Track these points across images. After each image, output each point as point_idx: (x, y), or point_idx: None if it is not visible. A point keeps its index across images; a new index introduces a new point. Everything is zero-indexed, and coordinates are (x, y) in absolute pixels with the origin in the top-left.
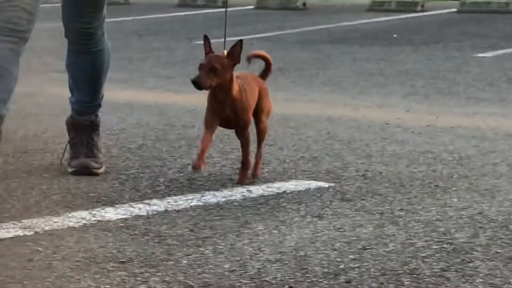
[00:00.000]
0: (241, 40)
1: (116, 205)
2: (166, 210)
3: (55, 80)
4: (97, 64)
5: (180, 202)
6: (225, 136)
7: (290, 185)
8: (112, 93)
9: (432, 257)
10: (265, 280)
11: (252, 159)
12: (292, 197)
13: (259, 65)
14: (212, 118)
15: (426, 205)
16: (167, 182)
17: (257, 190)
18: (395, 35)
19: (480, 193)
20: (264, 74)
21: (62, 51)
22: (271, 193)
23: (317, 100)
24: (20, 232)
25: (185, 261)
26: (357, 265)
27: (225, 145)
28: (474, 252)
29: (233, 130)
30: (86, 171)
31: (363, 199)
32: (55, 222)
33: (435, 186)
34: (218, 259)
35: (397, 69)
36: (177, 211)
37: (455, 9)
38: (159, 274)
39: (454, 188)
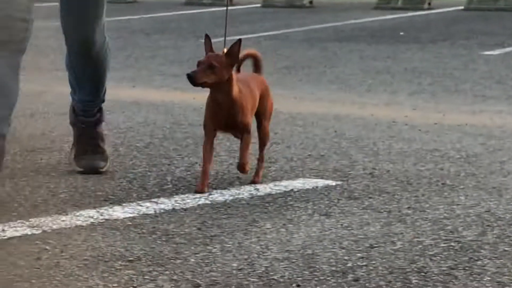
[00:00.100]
0: (240, 40)
1: (124, 204)
2: (173, 209)
3: (62, 78)
4: (98, 64)
5: (188, 201)
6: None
7: (298, 184)
8: (119, 91)
9: (440, 255)
10: (272, 279)
11: (251, 160)
12: (299, 195)
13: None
14: (211, 121)
15: (433, 203)
16: (175, 180)
17: (264, 188)
18: (402, 33)
19: (488, 191)
20: (258, 71)
21: None
22: (278, 191)
23: (324, 98)
24: (28, 231)
25: (193, 260)
26: (364, 263)
27: (232, 143)
28: (482, 250)
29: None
30: (94, 171)
31: (370, 197)
32: (63, 220)
33: (443, 184)
34: (226, 258)
35: (404, 67)
36: (185, 209)
37: (462, 7)
38: (167, 272)
39: (462, 186)
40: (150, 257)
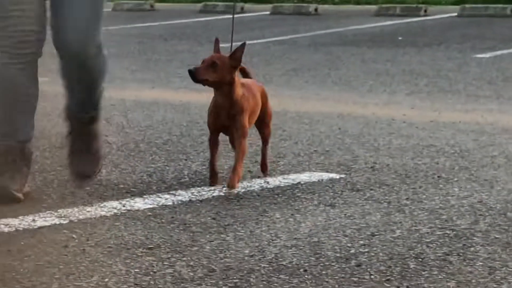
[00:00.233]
0: (244, 43)
1: (144, 196)
2: (190, 200)
3: None
4: (94, 74)
5: (203, 193)
6: None
7: (304, 177)
8: (140, 92)
9: (436, 243)
10: (281, 264)
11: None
12: (306, 187)
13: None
14: (213, 122)
15: (430, 195)
16: (191, 174)
17: (274, 181)
18: (400, 38)
19: (480, 183)
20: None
21: None
22: (287, 184)
23: (328, 98)
24: (56, 221)
25: (208, 247)
26: (366, 250)
27: None
28: (475, 238)
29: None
30: (85, 179)
31: (371, 189)
32: (88, 211)
33: (438, 177)
34: (239, 245)
35: (402, 69)
36: (201, 201)
37: (456, 14)
38: (185, 259)
39: (456, 179)
40: (169, 244)
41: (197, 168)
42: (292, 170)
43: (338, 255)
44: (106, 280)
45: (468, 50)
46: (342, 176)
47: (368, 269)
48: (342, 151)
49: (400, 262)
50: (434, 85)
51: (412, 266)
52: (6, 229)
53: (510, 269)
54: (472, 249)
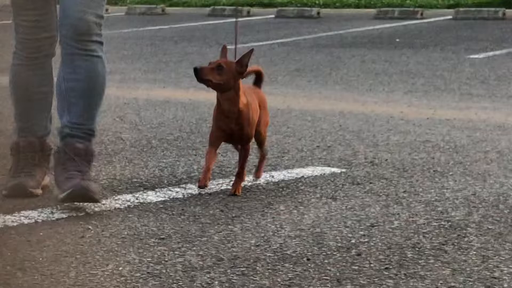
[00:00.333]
0: (251, 50)
1: (156, 189)
2: (199, 193)
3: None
4: (93, 72)
5: (212, 186)
6: None
7: (307, 171)
8: (152, 91)
9: (432, 233)
10: (286, 253)
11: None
12: (309, 181)
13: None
14: (217, 132)
15: (426, 188)
16: (201, 169)
17: (278, 175)
18: (398, 40)
19: (474, 177)
20: (258, 83)
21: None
22: (290, 178)
23: (330, 96)
24: (73, 213)
25: (216, 237)
26: (366, 240)
27: None
28: (469, 228)
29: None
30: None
31: (371, 183)
32: (103, 204)
33: (434, 171)
34: (246, 235)
35: (400, 69)
36: (210, 194)
37: (450, 17)
38: (194, 248)
39: (451, 173)
40: (179, 235)
41: None
42: (295, 164)
43: (339, 245)
44: (120, 268)
45: (462, 51)
46: (343, 170)
47: (368, 258)
48: (343, 146)
49: (398, 252)
50: (430, 84)
51: (409, 255)
52: (26, 221)
53: (503, 258)
54: (466, 239)
